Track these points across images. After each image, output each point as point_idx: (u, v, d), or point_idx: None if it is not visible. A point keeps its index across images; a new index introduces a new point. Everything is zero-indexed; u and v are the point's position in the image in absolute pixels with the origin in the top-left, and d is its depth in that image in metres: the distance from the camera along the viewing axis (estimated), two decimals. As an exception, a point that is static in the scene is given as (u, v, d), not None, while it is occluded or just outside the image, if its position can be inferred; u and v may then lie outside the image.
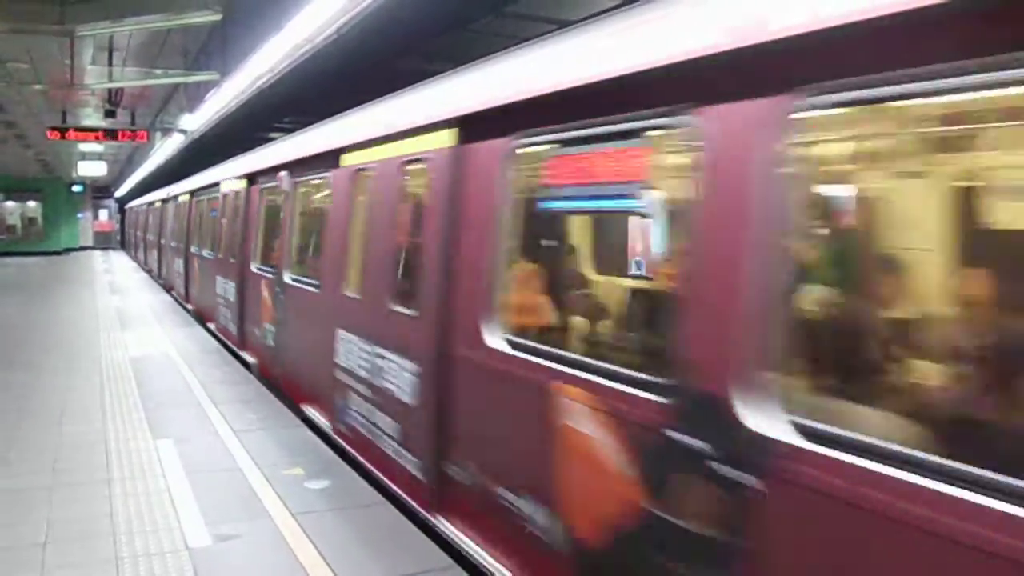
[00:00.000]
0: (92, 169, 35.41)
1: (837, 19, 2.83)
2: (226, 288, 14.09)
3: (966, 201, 4.78)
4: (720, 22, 3.43)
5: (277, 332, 10.52)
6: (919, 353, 4.17)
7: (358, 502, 6.51)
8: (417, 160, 6.33)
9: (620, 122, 4.19)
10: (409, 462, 6.18)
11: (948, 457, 2.58)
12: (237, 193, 13.73)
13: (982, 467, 2.48)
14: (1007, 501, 2.37)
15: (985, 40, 2.50)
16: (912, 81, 2.73)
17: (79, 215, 53.88)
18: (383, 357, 6.61)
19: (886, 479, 2.66)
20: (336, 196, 8.33)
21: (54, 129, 20.22)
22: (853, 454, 2.79)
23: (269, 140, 15.00)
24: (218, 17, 11.28)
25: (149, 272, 31.60)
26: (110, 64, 16.02)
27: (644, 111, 4.00)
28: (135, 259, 40.79)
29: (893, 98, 3.02)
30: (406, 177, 6.80)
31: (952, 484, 2.51)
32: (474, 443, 5.42)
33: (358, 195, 7.75)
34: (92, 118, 22.76)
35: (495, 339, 5.13)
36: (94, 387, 10.59)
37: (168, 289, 23.64)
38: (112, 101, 19.82)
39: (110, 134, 20.83)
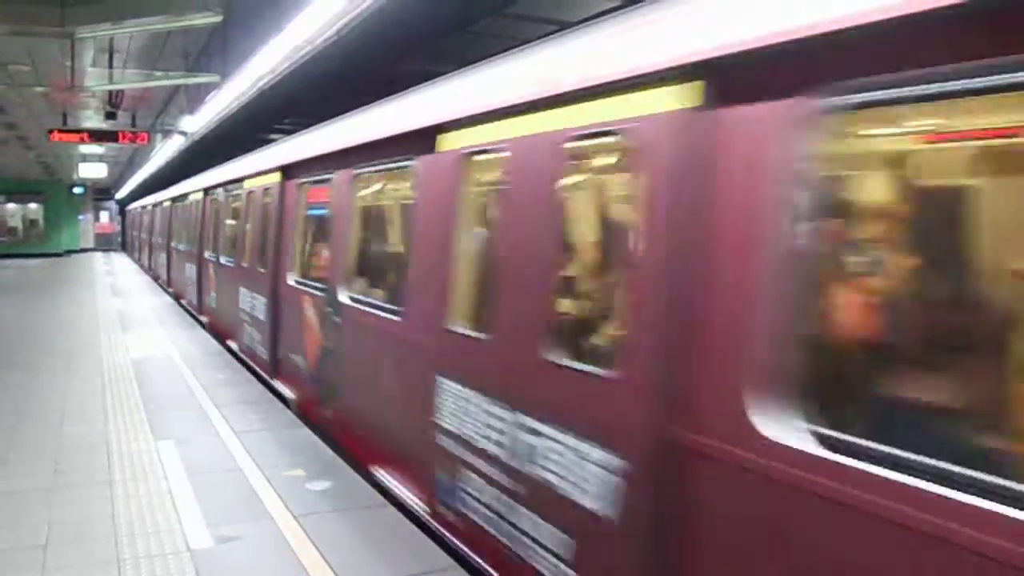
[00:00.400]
0: (93, 171, 35.41)
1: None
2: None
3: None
4: None
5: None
6: None
7: (359, 503, 6.51)
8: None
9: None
10: None
11: None
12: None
13: None
14: None
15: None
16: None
17: (80, 217, 53.91)
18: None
19: None
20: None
21: (57, 131, 20.23)
22: None
23: (270, 142, 14.93)
24: (218, 19, 11.28)
25: (151, 275, 31.58)
26: (111, 66, 16.03)
27: None
28: (137, 261, 40.79)
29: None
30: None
31: None
32: None
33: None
34: (93, 120, 22.76)
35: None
36: (95, 389, 10.59)
37: (177, 298, 22.17)
38: (113, 103, 19.82)
39: (111, 136, 20.85)
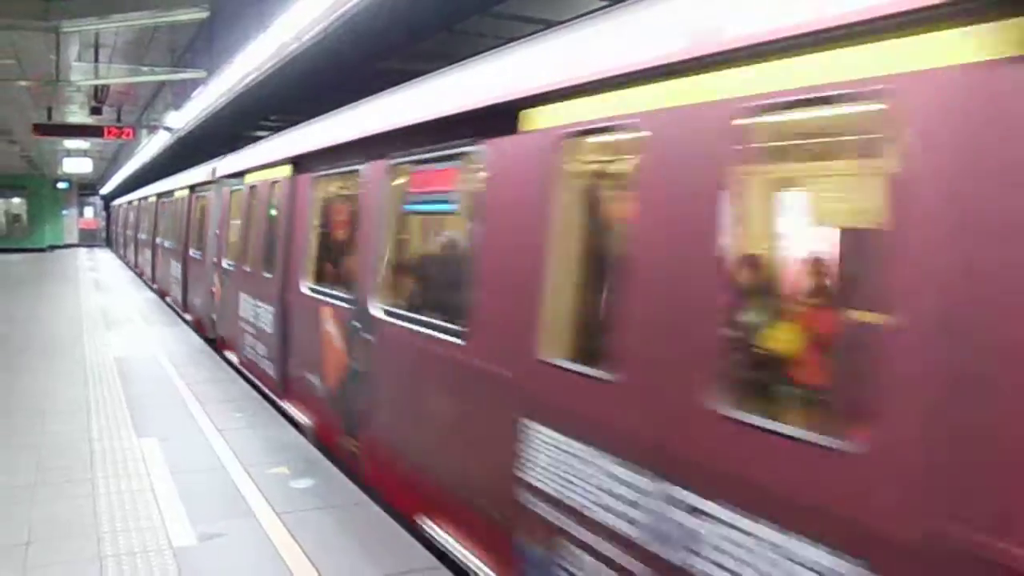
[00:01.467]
0: (77, 166, 35.22)
1: None
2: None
3: None
4: None
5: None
6: None
7: (342, 501, 6.52)
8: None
9: None
10: None
11: None
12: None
13: None
14: None
15: None
16: None
17: (64, 212, 53.59)
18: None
19: None
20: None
21: (42, 126, 20.14)
22: None
23: (256, 139, 14.83)
24: (205, 15, 11.25)
25: (136, 271, 31.49)
26: (96, 61, 15.97)
27: None
28: (121, 257, 40.62)
29: None
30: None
31: None
32: None
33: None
34: (78, 115, 22.65)
35: None
36: (78, 386, 10.55)
37: (163, 295, 21.87)
38: (98, 98, 19.73)
39: (96, 131, 20.75)
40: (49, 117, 21.40)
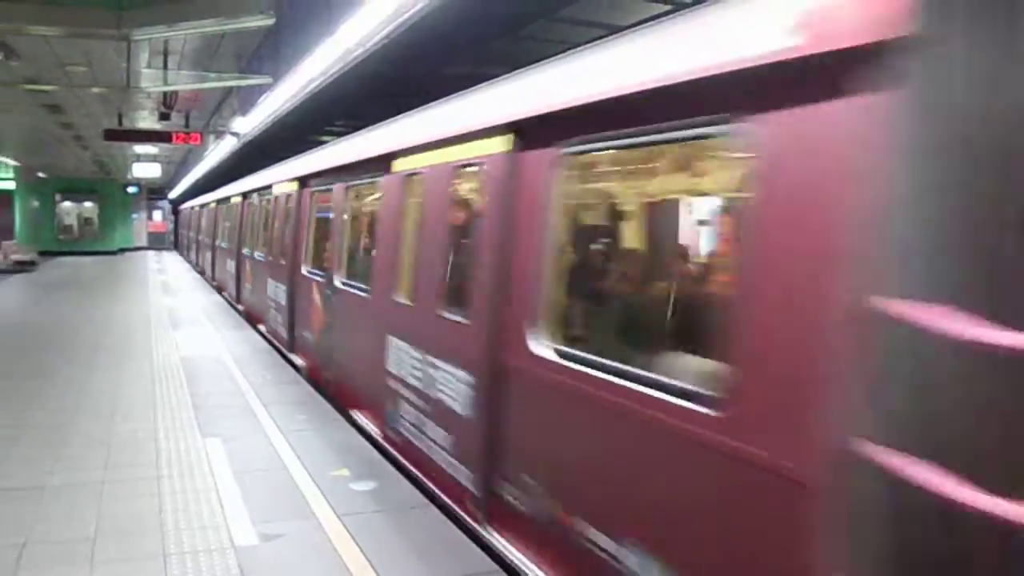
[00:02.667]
0: (147, 171, 35.96)
1: None
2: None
3: None
4: None
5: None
6: None
7: (403, 504, 6.51)
8: None
9: None
10: None
11: None
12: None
13: None
14: None
15: None
16: None
17: (133, 216, 54.81)
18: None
19: None
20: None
21: (110, 133, 20.57)
22: None
23: (321, 143, 15.01)
24: (271, 21, 11.40)
25: (200, 272, 32.10)
26: (165, 68, 16.27)
27: None
28: (188, 260, 41.35)
29: None
30: None
31: None
32: None
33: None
34: (147, 121, 23.11)
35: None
36: (146, 385, 10.74)
37: (220, 290, 23.24)
38: (167, 104, 20.09)
39: (164, 137, 21.14)
40: (120, 123, 21.87)
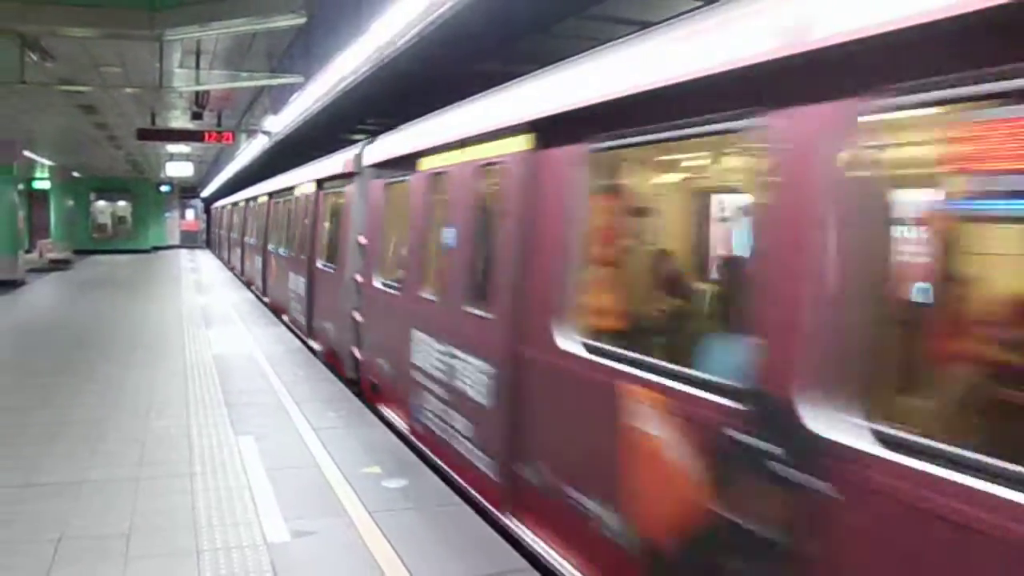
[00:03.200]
0: (179, 170, 36.25)
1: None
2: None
3: None
4: None
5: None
6: None
7: (434, 501, 6.53)
8: None
9: None
10: None
11: None
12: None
13: None
14: None
15: None
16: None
17: (166, 214, 55.31)
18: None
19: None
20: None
21: (143, 132, 20.76)
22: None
23: (353, 142, 15.06)
24: (302, 20, 11.44)
25: (231, 270, 32.41)
26: (197, 67, 16.37)
27: None
28: (219, 258, 41.67)
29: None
30: None
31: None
32: None
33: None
34: (180, 120, 23.28)
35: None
36: (179, 383, 10.84)
37: (248, 284, 24.47)
38: (199, 103, 20.23)
39: (197, 136, 21.30)
40: (152, 122, 22.06)
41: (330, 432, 8.50)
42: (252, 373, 11.71)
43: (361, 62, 10.75)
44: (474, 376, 6.45)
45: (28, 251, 35.23)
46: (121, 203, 52.16)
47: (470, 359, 6.57)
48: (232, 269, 32.17)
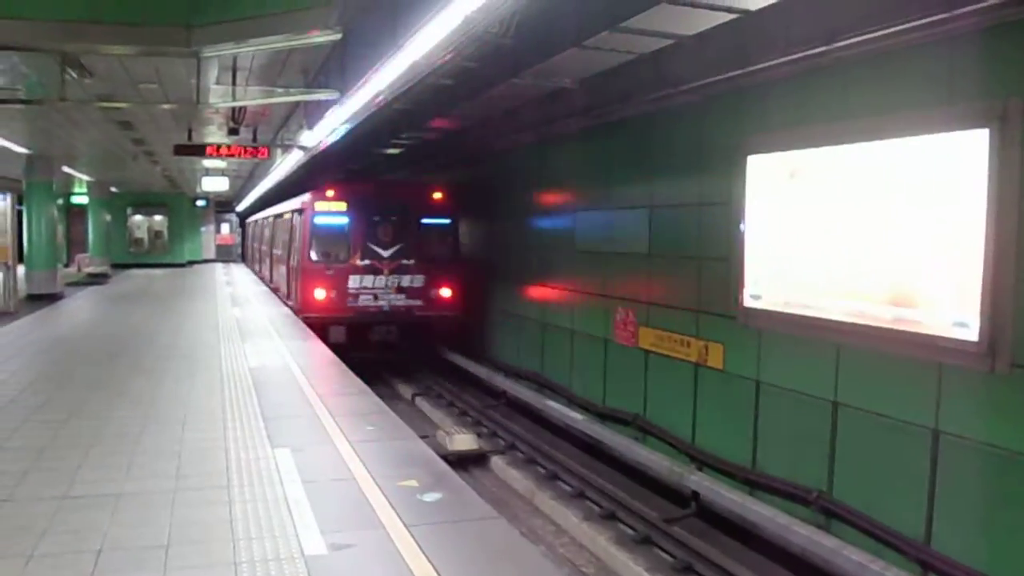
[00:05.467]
0: (215, 185, 36.53)
1: None
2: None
3: None
4: None
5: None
6: None
7: (472, 516, 6.52)
8: None
9: None
10: None
11: None
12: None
13: None
14: None
15: None
16: None
17: (202, 229, 55.83)
18: None
19: None
20: None
21: (179, 147, 21.00)
22: None
23: (388, 157, 15.18)
24: (338, 36, 11.51)
25: (264, 281, 32.82)
26: (233, 83, 16.52)
27: None
28: (254, 272, 41.99)
29: None
30: None
31: None
32: None
33: None
34: (216, 136, 23.52)
35: None
36: (215, 395, 10.91)
37: (275, 291, 28.36)
38: (235, 119, 20.43)
39: (232, 151, 21.51)
40: (189, 138, 22.30)
41: (366, 445, 8.51)
42: (287, 386, 11.75)
43: (396, 77, 10.80)
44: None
45: (67, 265, 35.68)
46: (158, 217, 52.64)
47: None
48: (263, 279, 33.04)
